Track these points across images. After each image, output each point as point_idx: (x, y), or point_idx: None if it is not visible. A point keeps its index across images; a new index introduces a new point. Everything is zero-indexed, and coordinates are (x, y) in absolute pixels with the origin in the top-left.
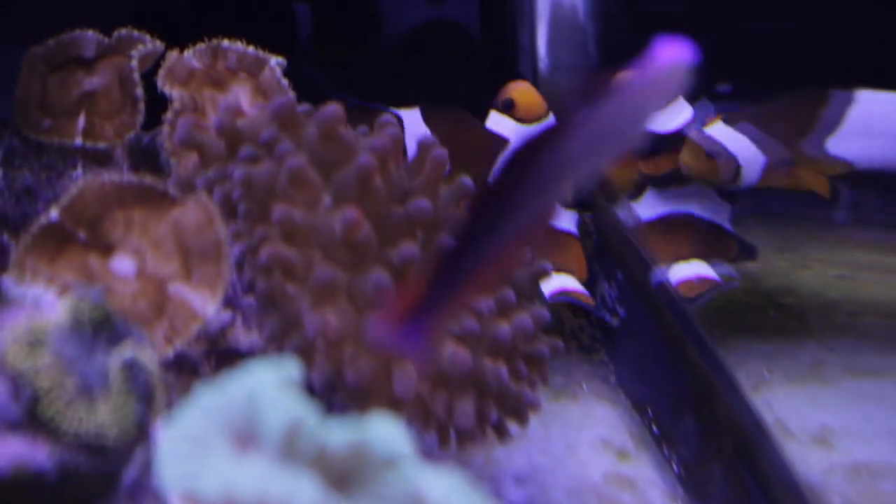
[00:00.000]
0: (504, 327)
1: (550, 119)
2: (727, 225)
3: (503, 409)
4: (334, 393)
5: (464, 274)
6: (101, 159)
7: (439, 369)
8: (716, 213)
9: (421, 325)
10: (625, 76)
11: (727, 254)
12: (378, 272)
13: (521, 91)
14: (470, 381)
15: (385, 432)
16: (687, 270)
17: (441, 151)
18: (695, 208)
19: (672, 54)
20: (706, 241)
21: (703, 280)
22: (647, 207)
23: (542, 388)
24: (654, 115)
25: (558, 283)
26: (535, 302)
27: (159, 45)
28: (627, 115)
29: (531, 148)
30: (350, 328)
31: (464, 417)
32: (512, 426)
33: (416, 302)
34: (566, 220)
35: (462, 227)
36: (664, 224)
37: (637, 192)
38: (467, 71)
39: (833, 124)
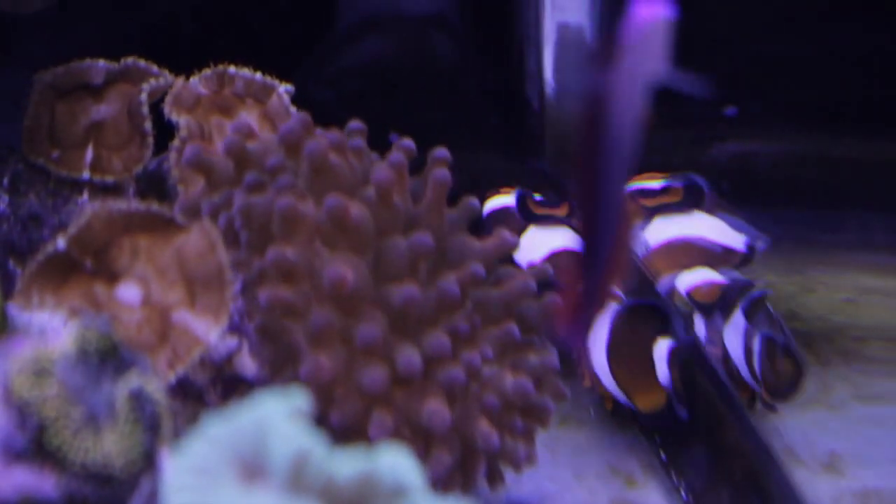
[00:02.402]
0: (507, 380)
1: None
2: (740, 248)
3: (494, 462)
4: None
5: (603, 263)
6: (108, 188)
7: (421, 422)
8: (729, 238)
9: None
10: (621, 40)
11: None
12: (367, 324)
13: None
14: (453, 436)
15: (393, 463)
16: (694, 278)
17: (443, 171)
18: (706, 233)
19: (652, 12)
20: (715, 258)
21: (712, 286)
22: (656, 234)
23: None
24: (656, 66)
25: None
26: (542, 337)
27: (169, 77)
28: (637, 74)
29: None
30: (342, 371)
31: (439, 467)
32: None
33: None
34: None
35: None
36: (672, 247)
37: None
38: (475, 96)
39: None
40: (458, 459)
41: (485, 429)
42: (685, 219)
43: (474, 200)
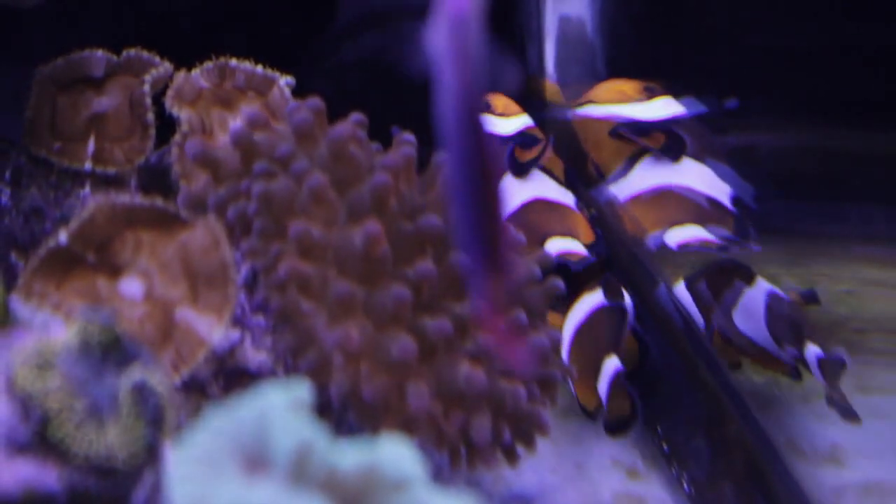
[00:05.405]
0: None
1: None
2: (726, 202)
3: (516, 431)
4: (348, 411)
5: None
6: (110, 181)
7: (455, 389)
8: (715, 188)
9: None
10: (433, 35)
11: (724, 226)
12: (398, 287)
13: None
14: (486, 401)
15: (395, 454)
16: (684, 234)
17: None
18: (692, 183)
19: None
20: (702, 212)
21: (702, 242)
22: (639, 180)
23: (551, 408)
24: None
25: (562, 245)
26: (547, 322)
27: (169, 67)
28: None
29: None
30: (368, 344)
31: (480, 434)
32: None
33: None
34: (567, 197)
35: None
36: (657, 195)
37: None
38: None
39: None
40: (493, 427)
41: (511, 387)
42: (669, 166)
43: None
